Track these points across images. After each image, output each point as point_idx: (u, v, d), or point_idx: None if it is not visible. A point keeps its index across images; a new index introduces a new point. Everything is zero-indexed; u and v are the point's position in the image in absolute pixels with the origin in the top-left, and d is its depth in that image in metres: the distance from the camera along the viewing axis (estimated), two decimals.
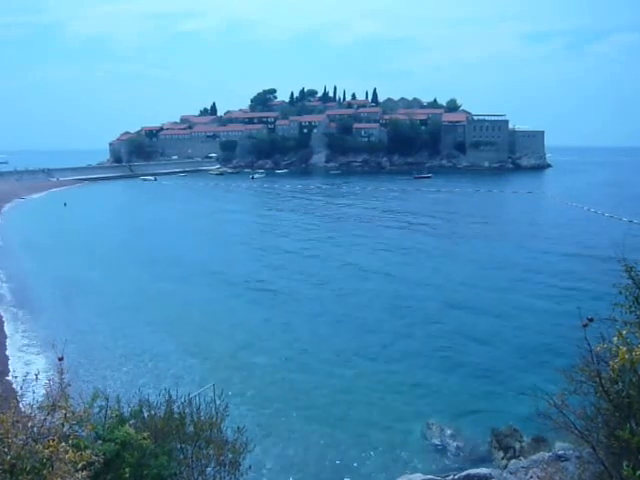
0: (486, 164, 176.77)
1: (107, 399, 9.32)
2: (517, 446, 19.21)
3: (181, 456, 9.96)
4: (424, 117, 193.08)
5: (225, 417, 10.96)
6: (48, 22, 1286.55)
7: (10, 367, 27.03)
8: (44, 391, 7.22)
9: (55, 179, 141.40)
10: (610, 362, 7.87)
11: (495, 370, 26.77)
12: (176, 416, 10.26)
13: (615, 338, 7.85)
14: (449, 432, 20.76)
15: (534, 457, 17.39)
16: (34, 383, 7.74)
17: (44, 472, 6.26)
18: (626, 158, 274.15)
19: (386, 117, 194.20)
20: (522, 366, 26.76)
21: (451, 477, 17.10)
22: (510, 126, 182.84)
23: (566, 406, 8.84)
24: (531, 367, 26.18)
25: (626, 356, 7.54)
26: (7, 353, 29.35)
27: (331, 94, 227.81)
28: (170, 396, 10.77)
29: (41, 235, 67.38)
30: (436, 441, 20.52)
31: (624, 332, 7.86)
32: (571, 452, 14.29)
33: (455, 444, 20.19)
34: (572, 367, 8.74)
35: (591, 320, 8.66)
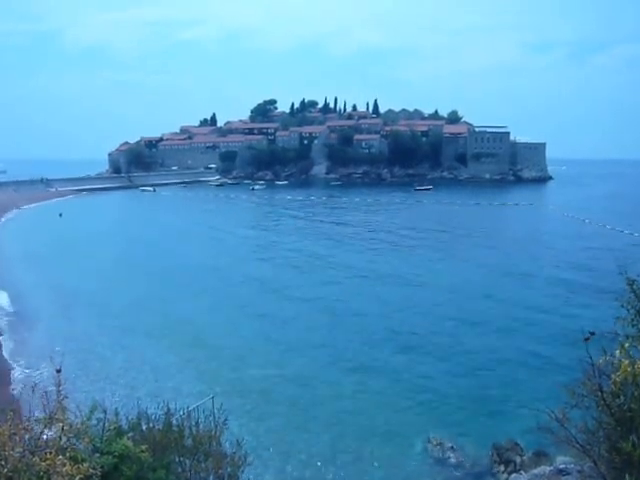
0: (487, 176, 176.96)
1: (105, 411, 9.24)
2: (518, 460, 19.10)
3: (179, 469, 9.88)
4: (425, 128, 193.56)
5: (224, 430, 10.89)
6: (47, 30, 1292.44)
7: (7, 379, 26.90)
8: (41, 403, 7.17)
9: (54, 189, 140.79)
10: (612, 376, 7.83)
11: (495, 384, 26.66)
12: (175, 429, 10.19)
13: (617, 351, 7.81)
14: (449, 446, 20.64)
15: (535, 471, 17.32)
16: (31, 395, 7.69)
17: None
18: (628, 170, 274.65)
19: (387, 128, 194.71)
20: (523, 379, 26.65)
21: None
22: (511, 138, 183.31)
23: (567, 420, 8.77)
24: (532, 380, 26.08)
25: (628, 369, 7.51)
26: (4, 365, 29.23)
27: (332, 105, 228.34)
28: (169, 409, 10.71)
29: (38, 246, 67.09)
30: (436, 455, 20.39)
31: (626, 345, 7.83)
32: (572, 466, 14.24)
33: (455, 458, 20.07)
34: (573, 381, 8.69)
35: (593, 334, 8.62)
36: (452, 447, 20.59)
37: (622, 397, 7.79)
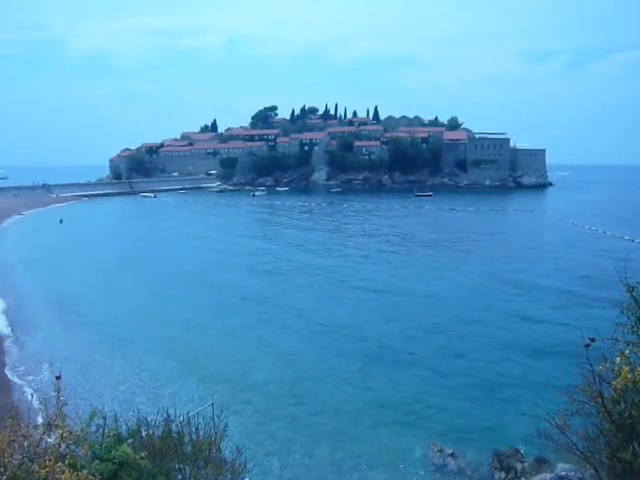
0: (487, 182, 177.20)
1: (105, 418, 9.23)
2: (519, 467, 19.03)
3: (179, 476, 9.85)
4: (425, 135, 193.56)
5: (224, 437, 10.85)
6: (50, 38, 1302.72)
7: (6, 385, 26.83)
8: (41, 410, 7.15)
9: (54, 195, 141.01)
10: (612, 382, 7.82)
11: (496, 390, 26.59)
12: (174, 435, 10.16)
13: (617, 358, 7.80)
14: (450, 452, 20.56)
15: (536, 478, 17.25)
16: (31, 402, 7.68)
17: None
18: (629, 176, 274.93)
19: (387, 135, 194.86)
20: (523, 386, 26.57)
21: None
22: (511, 144, 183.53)
23: (568, 427, 8.75)
24: (532, 387, 25.99)
25: (629, 376, 7.49)
26: (3, 371, 29.18)
27: (332, 112, 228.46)
28: (168, 415, 10.68)
29: (38, 253, 66.99)
30: (437, 461, 20.31)
31: (626, 352, 7.81)
32: (573, 474, 14.18)
33: (456, 464, 19.99)
34: (574, 387, 8.67)
35: (593, 340, 8.62)
36: (452, 453, 20.52)
37: (623, 404, 7.77)
